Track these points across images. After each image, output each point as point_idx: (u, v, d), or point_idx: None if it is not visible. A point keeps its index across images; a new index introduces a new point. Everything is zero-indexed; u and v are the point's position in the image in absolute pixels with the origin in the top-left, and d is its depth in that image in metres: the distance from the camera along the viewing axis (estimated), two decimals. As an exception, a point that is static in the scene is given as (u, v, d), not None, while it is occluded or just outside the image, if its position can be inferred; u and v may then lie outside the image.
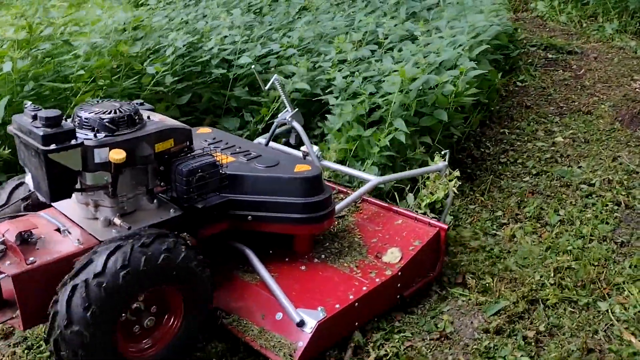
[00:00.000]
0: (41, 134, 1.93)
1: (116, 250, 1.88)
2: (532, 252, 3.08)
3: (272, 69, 4.16)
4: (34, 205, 2.29)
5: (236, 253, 2.55)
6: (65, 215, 2.22)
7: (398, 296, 2.57)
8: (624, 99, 5.12)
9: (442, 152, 3.28)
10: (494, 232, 3.34)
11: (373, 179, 2.99)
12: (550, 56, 6.27)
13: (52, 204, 2.22)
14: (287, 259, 2.59)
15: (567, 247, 3.10)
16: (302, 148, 3.10)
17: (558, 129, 4.65)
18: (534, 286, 2.78)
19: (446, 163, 3.24)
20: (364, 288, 2.40)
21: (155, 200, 2.33)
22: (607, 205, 3.51)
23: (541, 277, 2.86)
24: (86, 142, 2.02)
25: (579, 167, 4.03)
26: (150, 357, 2.05)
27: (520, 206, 3.60)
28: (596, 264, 2.96)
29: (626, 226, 3.32)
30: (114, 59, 3.66)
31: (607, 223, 3.33)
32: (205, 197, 2.33)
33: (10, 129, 2.11)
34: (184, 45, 3.99)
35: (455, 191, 3.15)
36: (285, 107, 3.14)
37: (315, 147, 3.11)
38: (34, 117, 1.99)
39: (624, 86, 5.47)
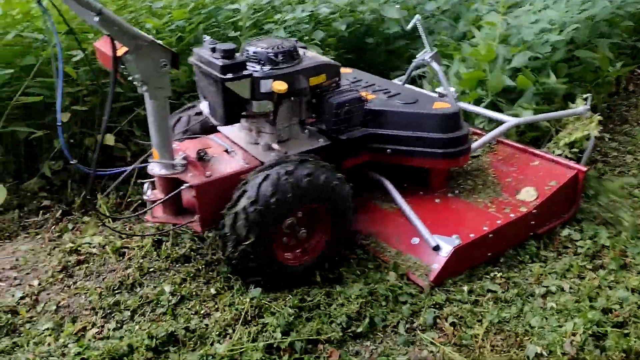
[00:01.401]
0: (220, 64, 2.18)
1: (272, 169, 2.11)
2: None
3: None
4: (205, 130, 2.60)
5: (374, 184, 2.71)
6: (231, 140, 2.50)
7: (531, 233, 2.61)
8: None
9: (584, 96, 3.19)
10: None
11: (510, 119, 2.99)
12: None
13: (219, 129, 2.53)
14: (421, 192, 2.74)
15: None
16: (437, 89, 3.15)
17: None
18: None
19: (588, 107, 3.16)
20: (498, 222, 2.50)
21: (306, 131, 2.56)
22: None
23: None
24: (254, 74, 2.26)
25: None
26: (302, 264, 2.29)
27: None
28: None
29: None
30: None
31: None
32: (350, 129, 2.52)
33: (191, 60, 2.39)
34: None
35: (597, 134, 3.06)
36: (424, 48, 3.20)
37: (452, 89, 3.15)
38: (213, 50, 2.25)
39: None
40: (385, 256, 2.45)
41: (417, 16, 3.21)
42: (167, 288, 2.25)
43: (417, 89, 3.29)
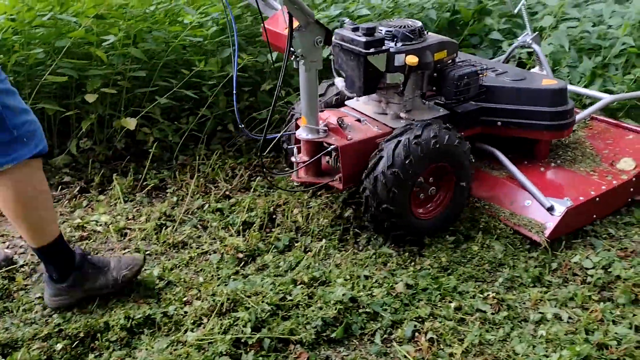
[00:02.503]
0: (363, 40, 2.41)
1: (404, 134, 2.31)
2: None
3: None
4: (338, 103, 2.82)
5: (483, 154, 2.81)
6: (359, 111, 2.71)
7: (630, 199, 2.72)
8: None
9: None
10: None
11: (606, 96, 3.09)
12: None
13: (346, 103, 2.78)
14: (525, 162, 2.81)
15: None
16: (534, 69, 3.25)
17: None
18: None
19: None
20: (603, 187, 2.60)
21: (426, 103, 2.74)
22: None
23: None
24: (390, 49, 2.47)
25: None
26: (432, 218, 2.48)
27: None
28: None
29: None
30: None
31: None
32: (465, 102, 2.70)
33: (333, 40, 2.53)
34: None
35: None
36: (525, 31, 3.33)
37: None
38: (354, 30, 2.48)
39: None
40: (500, 217, 2.56)
41: (523, 0, 3.35)
42: (156, 272, 2.25)
43: (519, 69, 3.26)
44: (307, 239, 2.47)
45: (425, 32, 2.64)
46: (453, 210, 2.54)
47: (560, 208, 2.49)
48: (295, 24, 2.16)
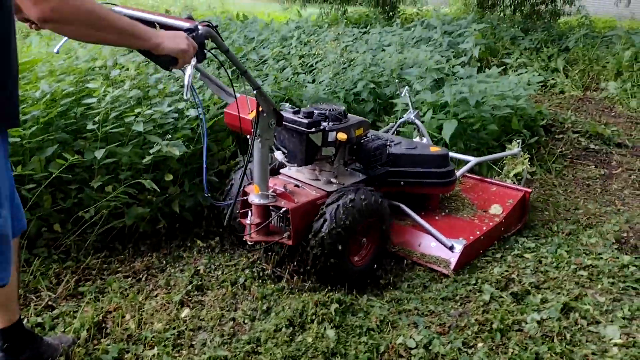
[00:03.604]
0: (306, 121, 3.01)
1: (341, 198, 2.91)
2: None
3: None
4: (271, 172, 3.11)
5: (391, 209, 3.33)
6: (294, 178, 3.28)
7: (502, 236, 3.65)
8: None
9: (518, 140, 4.47)
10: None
11: (472, 159, 4.15)
12: (592, 147, 5.42)
13: (281, 171, 3.35)
14: (423, 213, 3.63)
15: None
16: (416, 139, 4.17)
17: (533, 243, 3.57)
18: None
19: (520, 149, 4.43)
20: (484, 228, 3.50)
21: (347, 169, 3.42)
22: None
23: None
24: (325, 128, 3.08)
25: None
26: (360, 265, 3.09)
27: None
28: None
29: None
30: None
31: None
32: (378, 168, 3.42)
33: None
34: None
35: (529, 167, 4.33)
36: (408, 109, 4.31)
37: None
38: (295, 112, 3.09)
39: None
40: (412, 257, 3.33)
41: (406, 87, 4.37)
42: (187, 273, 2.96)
43: (409, 139, 4.25)
44: (140, 348, 2.36)
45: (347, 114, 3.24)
46: (379, 254, 3.13)
47: (459, 246, 3.19)
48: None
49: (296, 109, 3.15)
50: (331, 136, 3.11)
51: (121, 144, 3.28)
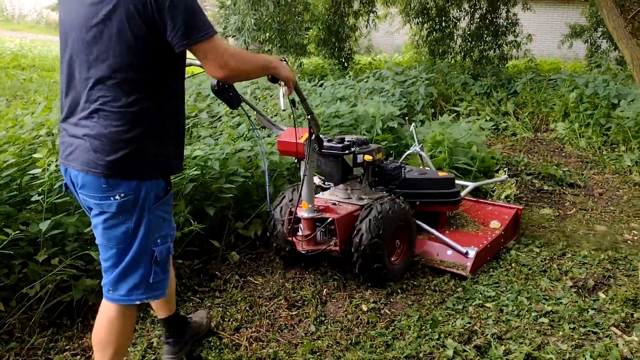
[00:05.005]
0: (340, 146, 3.59)
1: (370, 212, 3.41)
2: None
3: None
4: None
5: None
6: (328, 199, 3.76)
7: (502, 247, 4.19)
8: (602, 256, 4.04)
9: (504, 169, 5.20)
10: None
11: (471, 184, 4.81)
12: (545, 188, 5.57)
13: (316, 196, 3.81)
14: (434, 229, 4.14)
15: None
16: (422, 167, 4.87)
17: (493, 292, 3.51)
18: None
19: (507, 176, 5.15)
20: (489, 238, 4.03)
21: (373, 189, 3.93)
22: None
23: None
24: (355, 151, 3.65)
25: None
26: (398, 264, 3.60)
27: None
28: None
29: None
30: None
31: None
32: (396, 188, 3.98)
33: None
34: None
35: (515, 190, 5.03)
36: (415, 144, 4.95)
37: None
38: (329, 140, 3.64)
39: (612, 236, 4.48)
40: (433, 263, 3.82)
41: (413, 124, 5.07)
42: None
43: (419, 167, 4.85)
44: None
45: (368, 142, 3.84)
46: (410, 255, 3.63)
47: (472, 252, 3.68)
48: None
49: (329, 138, 3.74)
50: (359, 158, 3.67)
51: (67, 214, 3.13)
